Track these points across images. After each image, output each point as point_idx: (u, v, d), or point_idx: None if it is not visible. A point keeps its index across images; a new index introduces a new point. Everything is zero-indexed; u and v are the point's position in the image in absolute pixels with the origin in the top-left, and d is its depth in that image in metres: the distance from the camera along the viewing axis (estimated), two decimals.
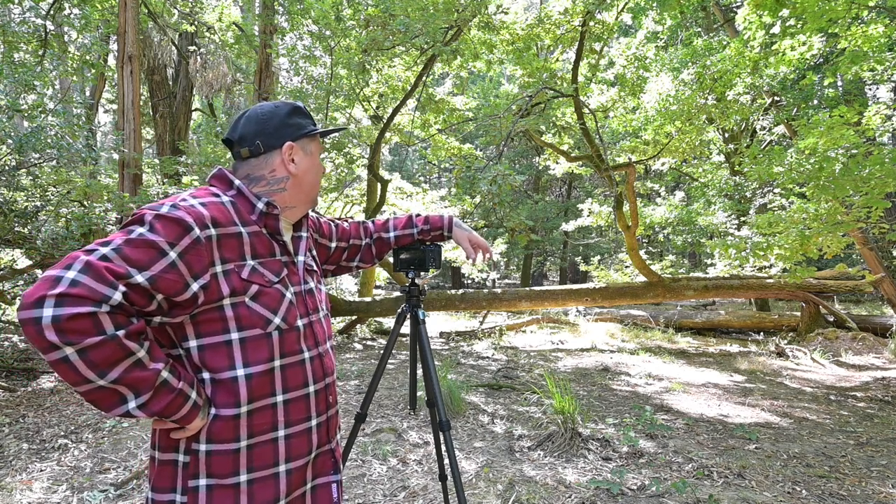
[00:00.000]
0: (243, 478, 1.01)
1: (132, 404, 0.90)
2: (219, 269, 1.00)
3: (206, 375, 1.01)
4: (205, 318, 1.00)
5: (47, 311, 0.81)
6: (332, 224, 1.49)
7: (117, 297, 0.86)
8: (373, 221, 1.60)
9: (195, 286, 0.96)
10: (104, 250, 0.89)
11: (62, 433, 3.50)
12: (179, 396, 0.95)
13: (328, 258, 1.48)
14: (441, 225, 1.61)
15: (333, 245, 1.48)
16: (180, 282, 0.94)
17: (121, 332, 0.86)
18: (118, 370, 0.87)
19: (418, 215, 1.63)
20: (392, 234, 1.59)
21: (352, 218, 1.54)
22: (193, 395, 0.98)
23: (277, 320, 1.06)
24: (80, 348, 0.83)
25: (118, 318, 0.87)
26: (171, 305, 0.96)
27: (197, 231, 0.96)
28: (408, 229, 1.60)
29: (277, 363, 1.06)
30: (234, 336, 1.01)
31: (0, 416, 3.78)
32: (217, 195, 1.07)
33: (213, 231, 0.99)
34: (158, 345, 1.03)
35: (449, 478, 2.15)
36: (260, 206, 1.09)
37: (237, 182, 1.11)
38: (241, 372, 1.01)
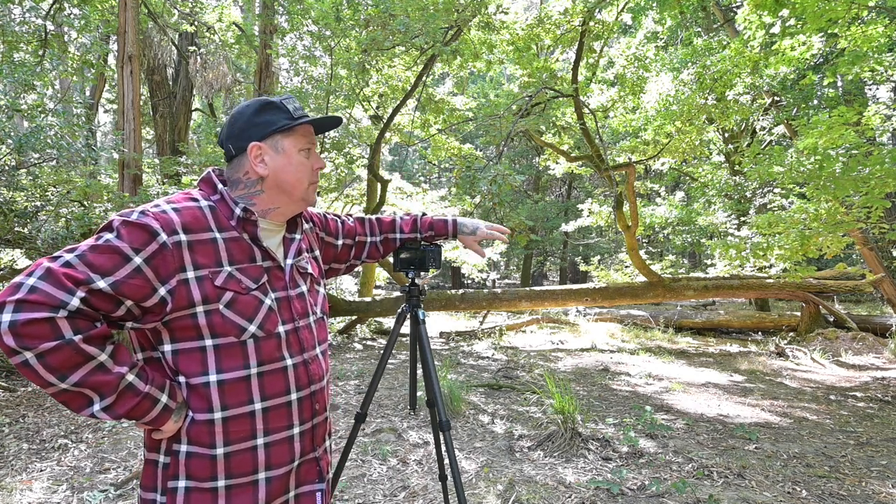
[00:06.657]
0: (221, 483, 1.01)
1: (97, 406, 0.92)
2: (190, 274, 0.98)
3: (181, 379, 1.01)
4: (179, 325, 0.99)
5: (5, 317, 0.83)
6: (339, 221, 1.47)
7: (75, 302, 0.86)
8: (377, 218, 1.59)
9: (162, 291, 0.95)
10: (68, 257, 0.90)
11: (62, 433, 3.50)
12: (146, 400, 0.95)
13: (335, 256, 1.45)
14: (445, 231, 1.63)
15: (340, 243, 1.45)
16: (146, 287, 0.94)
17: (78, 337, 0.87)
18: (79, 374, 0.88)
19: (424, 214, 1.63)
20: (398, 237, 1.60)
21: (350, 216, 1.54)
22: (164, 398, 0.97)
23: (253, 328, 1.03)
24: (37, 353, 0.84)
25: (78, 322, 0.87)
26: (142, 311, 0.96)
27: (164, 236, 0.96)
28: (413, 233, 1.62)
29: (254, 371, 1.04)
30: (208, 343, 1.01)
31: (0, 416, 3.78)
32: (195, 200, 1.06)
33: (182, 237, 0.98)
34: (139, 347, 1.04)
35: (449, 478, 2.15)
36: (237, 211, 1.07)
37: (220, 187, 1.10)
38: (213, 378, 1.00)
